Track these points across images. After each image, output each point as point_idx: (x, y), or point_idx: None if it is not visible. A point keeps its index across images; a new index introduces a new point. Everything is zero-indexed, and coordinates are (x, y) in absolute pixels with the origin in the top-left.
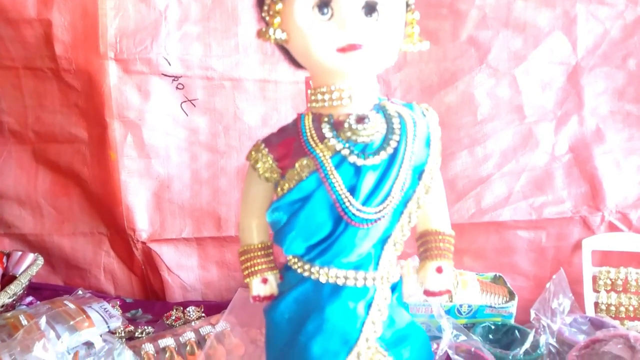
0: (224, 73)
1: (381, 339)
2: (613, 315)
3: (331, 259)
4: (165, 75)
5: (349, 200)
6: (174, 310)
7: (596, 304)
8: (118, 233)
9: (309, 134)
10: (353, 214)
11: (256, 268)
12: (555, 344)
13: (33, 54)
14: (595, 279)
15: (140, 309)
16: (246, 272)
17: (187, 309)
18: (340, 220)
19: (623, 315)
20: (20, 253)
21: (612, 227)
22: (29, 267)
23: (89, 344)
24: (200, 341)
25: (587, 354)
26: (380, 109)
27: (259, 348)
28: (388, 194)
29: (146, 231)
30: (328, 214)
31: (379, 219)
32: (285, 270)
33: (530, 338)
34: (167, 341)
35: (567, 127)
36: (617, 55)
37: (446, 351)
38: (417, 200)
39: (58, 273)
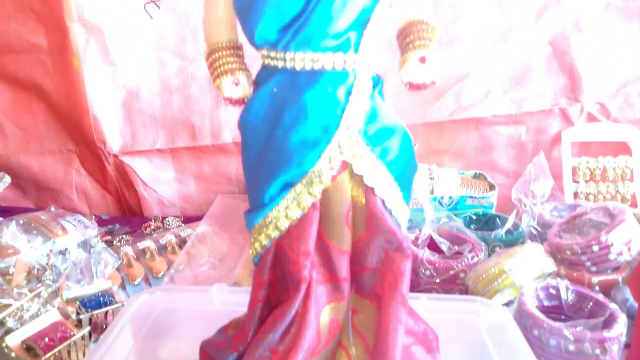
0: None
1: (364, 135)
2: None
3: (307, 40)
4: None
5: None
6: (153, 221)
7: (575, 194)
8: (88, 148)
9: None
10: None
11: (226, 67)
12: (536, 226)
13: None
14: (574, 170)
15: (117, 224)
16: (215, 72)
17: (167, 219)
18: None
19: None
20: None
21: (591, 118)
22: None
23: (64, 253)
24: (181, 244)
25: (569, 227)
26: None
27: (241, 248)
28: None
29: (117, 143)
30: None
31: None
32: (257, 76)
33: (512, 219)
34: (147, 243)
35: (546, 20)
36: None
37: (429, 234)
38: None
39: (29, 196)
